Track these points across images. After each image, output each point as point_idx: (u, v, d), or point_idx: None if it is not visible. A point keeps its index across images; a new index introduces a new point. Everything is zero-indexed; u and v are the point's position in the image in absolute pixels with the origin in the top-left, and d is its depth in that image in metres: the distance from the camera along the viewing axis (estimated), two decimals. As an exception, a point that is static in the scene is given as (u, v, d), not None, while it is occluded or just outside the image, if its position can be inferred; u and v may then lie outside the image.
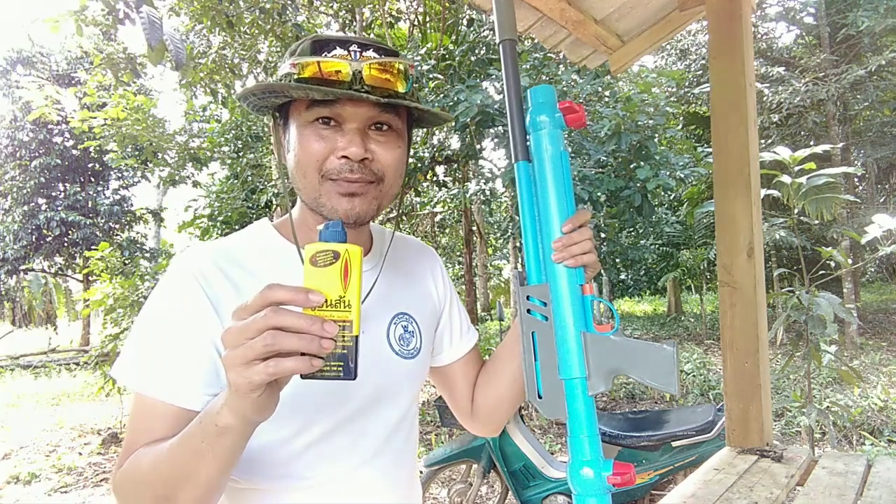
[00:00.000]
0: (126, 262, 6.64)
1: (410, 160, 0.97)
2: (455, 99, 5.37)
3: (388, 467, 0.83)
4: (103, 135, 7.42)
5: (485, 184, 7.55)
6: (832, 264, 3.66)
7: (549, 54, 5.95)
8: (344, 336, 0.56)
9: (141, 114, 7.42)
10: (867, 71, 9.58)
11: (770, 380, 2.11)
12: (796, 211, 3.21)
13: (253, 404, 0.55)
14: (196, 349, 0.71)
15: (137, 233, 17.31)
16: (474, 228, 10.97)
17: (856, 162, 12.30)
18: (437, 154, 7.29)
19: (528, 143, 0.79)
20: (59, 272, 17.17)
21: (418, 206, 11.22)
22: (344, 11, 7.85)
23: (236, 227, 8.56)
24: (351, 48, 0.73)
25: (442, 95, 5.81)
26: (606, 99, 6.12)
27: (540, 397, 0.76)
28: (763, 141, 10.47)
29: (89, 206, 15.59)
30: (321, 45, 0.73)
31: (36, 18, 4.65)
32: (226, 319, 0.73)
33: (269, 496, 0.76)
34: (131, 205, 16.64)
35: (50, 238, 15.39)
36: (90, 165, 15.95)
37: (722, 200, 1.93)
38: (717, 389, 6.54)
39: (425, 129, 7.10)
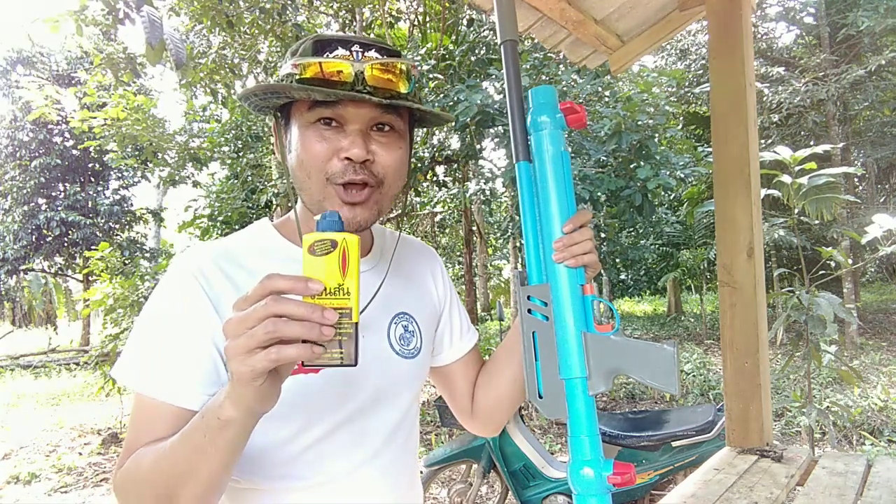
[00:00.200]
0: (126, 262, 6.65)
1: (411, 160, 0.98)
2: (455, 99, 5.37)
3: (388, 467, 0.83)
4: (103, 135, 7.42)
5: (485, 184, 7.55)
6: (832, 264, 3.66)
7: (549, 54, 5.96)
8: (343, 323, 0.57)
9: (141, 114, 7.41)
10: (867, 71, 9.57)
11: (770, 380, 2.11)
12: (796, 211, 3.21)
13: (255, 393, 0.55)
14: (197, 349, 0.71)
15: (137, 233, 17.31)
16: (474, 228, 10.97)
17: (856, 162, 12.30)
18: (437, 154, 7.30)
19: (529, 144, 0.79)
20: (59, 272, 17.18)
21: (418, 206, 11.22)
22: (344, 11, 7.86)
23: (236, 227, 8.56)
24: (353, 48, 0.73)
25: (442, 95, 5.81)
26: (606, 99, 6.12)
27: (540, 397, 0.76)
28: (763, 141, 10.47)
29: (89, 206, 15.59)
30: (323, 46, 0.73)
31: (36, 18, 4.65)
32: (226, 319, 0.73)
33: (270, 496, 0.76)
34: (131, 205, 16.64)
35: (50, 238, 15.39)
36: (90, 165, 15.95)
37: (722, 200, 1.93)
38: (717, 389, 6.54)
39: (425, 130, 7.11)
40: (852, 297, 9.86)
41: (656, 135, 5.69)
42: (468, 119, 5.18)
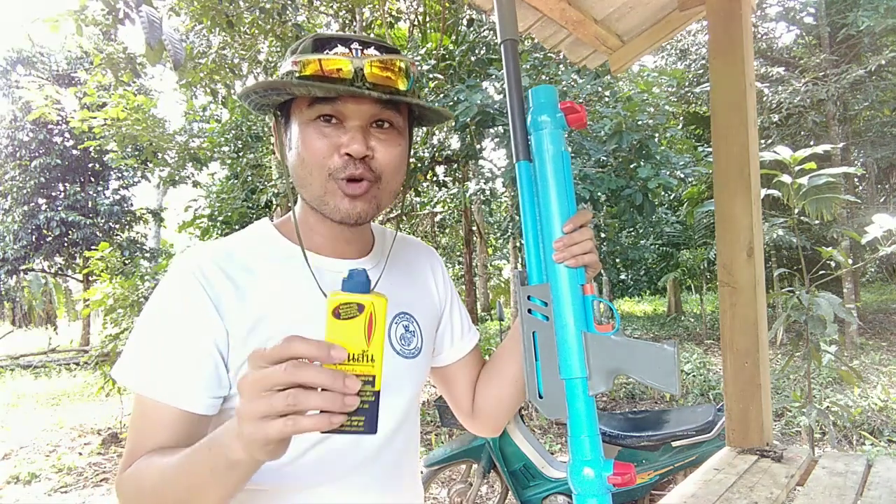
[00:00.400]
0: (126, 262, 6.65)
1: (410, 160, 0.97)
2: (455, 99, 5.37)
3: (388, 467, 0.82)
4: (103, 135, 7.42)
5: (485, 184, 7.56)
6: (832, 264, 3.66)
7: (549, 54, 5.96)
8: (366, 391, 0.54)
9: (141, 114, 7.41)
10: (867, 71, 9.57)
11: (770, 380, 2.11)
12: (796, 211, 3.20)
13: (263, 451, 0.54)
14: (197, 350, 0.71)
15: (137, 233, 17.30)
16: (474, 228, 10.97)
17: (856, 162, 12.29)
18: (437, 154, 7.30)
19: (529, 143, 0.79)
20: (59, 272, 17.18)
21: (418, 206, 11.23)
22: (344, 11, 7.86)
23: (236, 227, 8.56)
24: (352, 46, 0.73)
25: (442, 95, 5.82)
26: (607, 99, 6.12)
27: (541, 397, 0.76)
28: (763, 141, 10.47)
29: (89, 206, 15.59)
30: (322, 43, 0.73)
31: (36, 18, 4.65)
32: (227, 319, 0.73)
33: (271, 496, 0.76)
34: (131, 205, 16.64)
35: (50, 238, 15.39)
36: (90, 165, 15.95)
37: (722, 200, 1.93)
38: (717, 389, 6.54)
39: (425, 129, 7.11)
40: (852, 297, 9.85)
41: (656, 135, 5.70)
42: (468, 119, 5.18)
